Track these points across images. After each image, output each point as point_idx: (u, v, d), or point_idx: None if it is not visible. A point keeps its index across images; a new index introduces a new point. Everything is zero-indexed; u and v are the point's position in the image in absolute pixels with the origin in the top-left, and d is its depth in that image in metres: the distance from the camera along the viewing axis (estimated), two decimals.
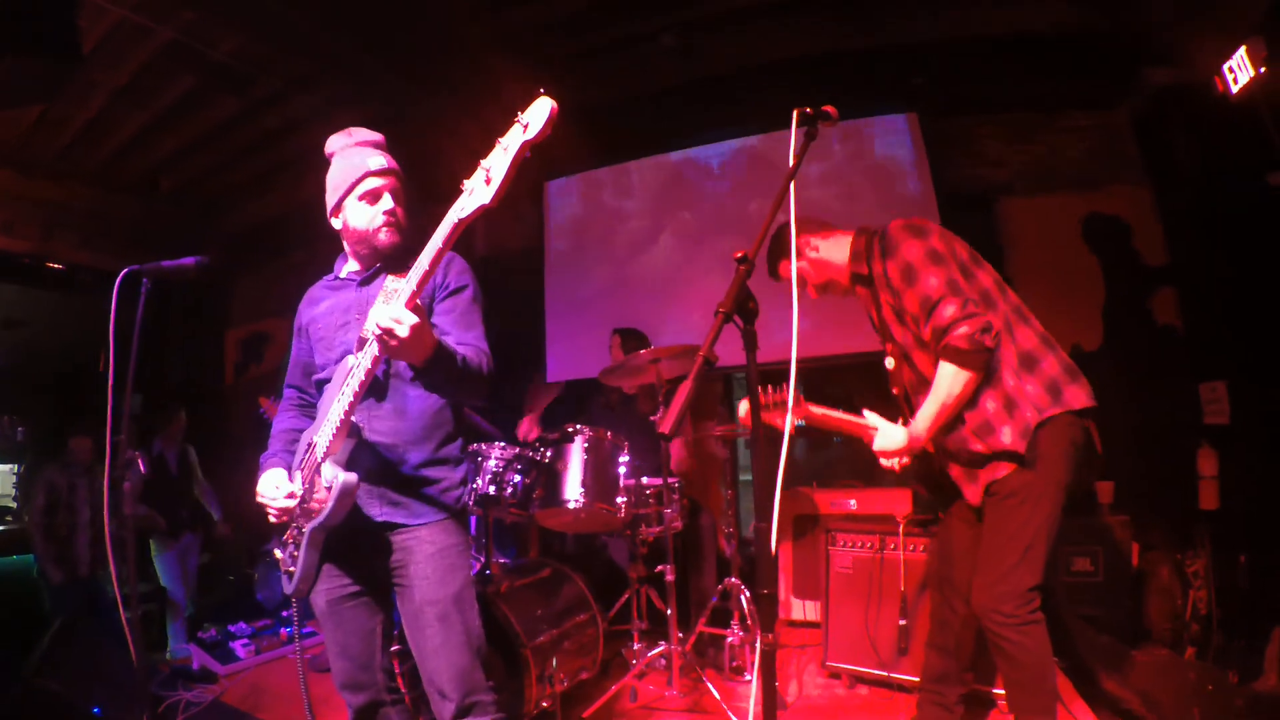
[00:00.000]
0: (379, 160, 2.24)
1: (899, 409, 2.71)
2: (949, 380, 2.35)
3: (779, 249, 2.72)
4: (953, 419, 2.42)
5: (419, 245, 1.82)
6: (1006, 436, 2.38)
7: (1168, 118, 4.58)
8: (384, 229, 2.25)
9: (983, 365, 2.36)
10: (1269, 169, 3.67)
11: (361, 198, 2.25)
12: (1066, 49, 4.77)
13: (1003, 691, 3.22)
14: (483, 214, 1.70)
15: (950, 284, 2.37)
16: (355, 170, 2.24)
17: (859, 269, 2.62)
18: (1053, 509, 2.40)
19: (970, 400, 2.41)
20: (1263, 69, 3.57)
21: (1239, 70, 3.68)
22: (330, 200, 2.32)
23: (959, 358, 2.33)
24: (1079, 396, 2.43)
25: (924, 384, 2.50)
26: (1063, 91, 5.08)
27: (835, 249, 2.70)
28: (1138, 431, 4.58)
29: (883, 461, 2.57)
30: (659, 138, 6.13)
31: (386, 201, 2.24)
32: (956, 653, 2.70)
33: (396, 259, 2.23)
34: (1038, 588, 2.39)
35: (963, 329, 2.29)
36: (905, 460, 2.62)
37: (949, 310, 2.32)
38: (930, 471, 2.69)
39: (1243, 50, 3.64)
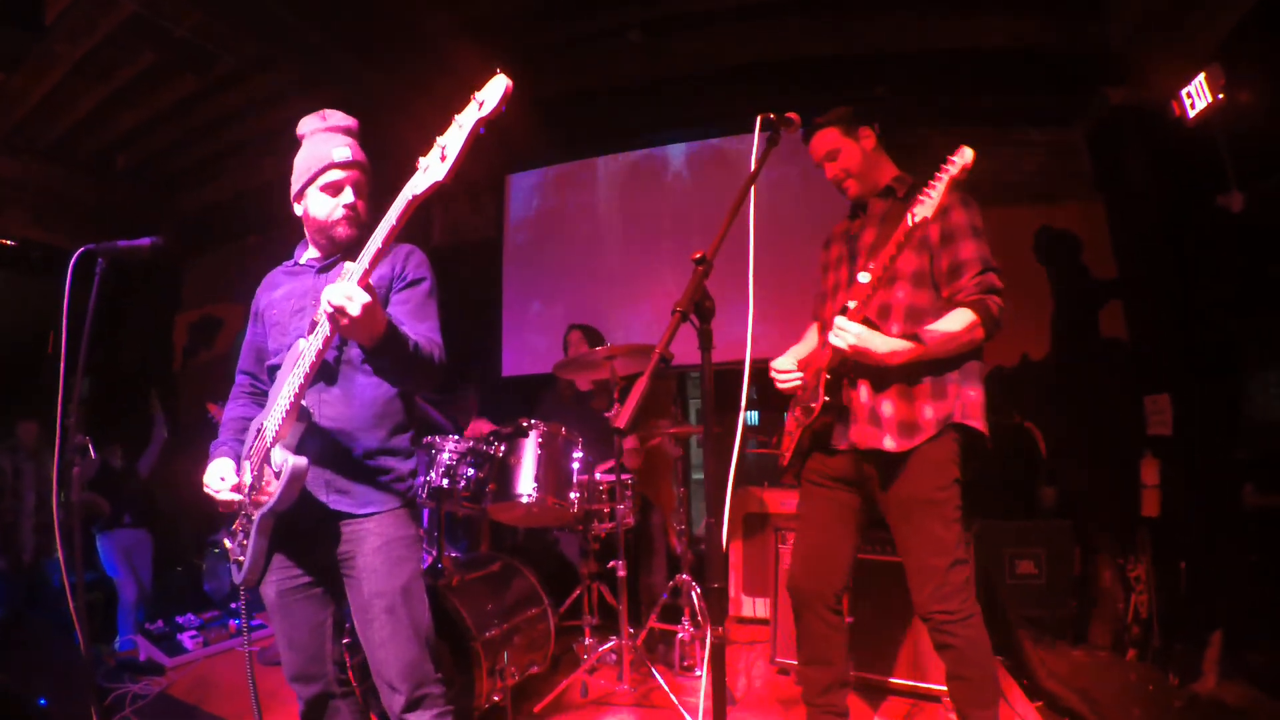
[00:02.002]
0: (344, 152, 2.22)
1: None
2: (961, 325, 2.37)
3: (838, 119, 2.69)
4: (930, 359, 2.41)
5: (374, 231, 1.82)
6: (928, 413, 2.44)
7: (1123, 137, 4.69)
8: (343, 223, 2.24)
9: (989, 335, 2.41)
10: (1219, 191, 3.77)
11: (323, 188, 2.23)
12: (1026, 65, 4.86)
13: (901, 681, 3.38)
14: (438, 195, 1.71)
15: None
16: (319, 160, 2.22)
17: (898, 189, 2.64)
18: (960, 502, 2.48)
19: (923, 369, 2.45)
20: (1220, 95, 3.66)
21: (1197, 95, 3.77)
22: (294, 186, 2.30)
23: (985, 316, 2.37)
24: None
25: (904, 311, 2.50)
26: (1021, 106, 5.19)
27: (885, 162, 2.75)
28: (1083, 440, 4.71)
29: (840, 339, 2.31)
30: (622, 135, 6.16)
31: (347, 195, 2.23)
32: (836, 660, 2.70)
33: (355, 250, 2.22)
34: (969, 579, 2.47)
35: (999, 300, 2.39)
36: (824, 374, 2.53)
37: (998, 282, 2.41)
38: (831, 416, 2.58)
39: (1202, 77, 3.73)
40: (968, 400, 2.47)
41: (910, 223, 2.22)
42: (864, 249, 2.62)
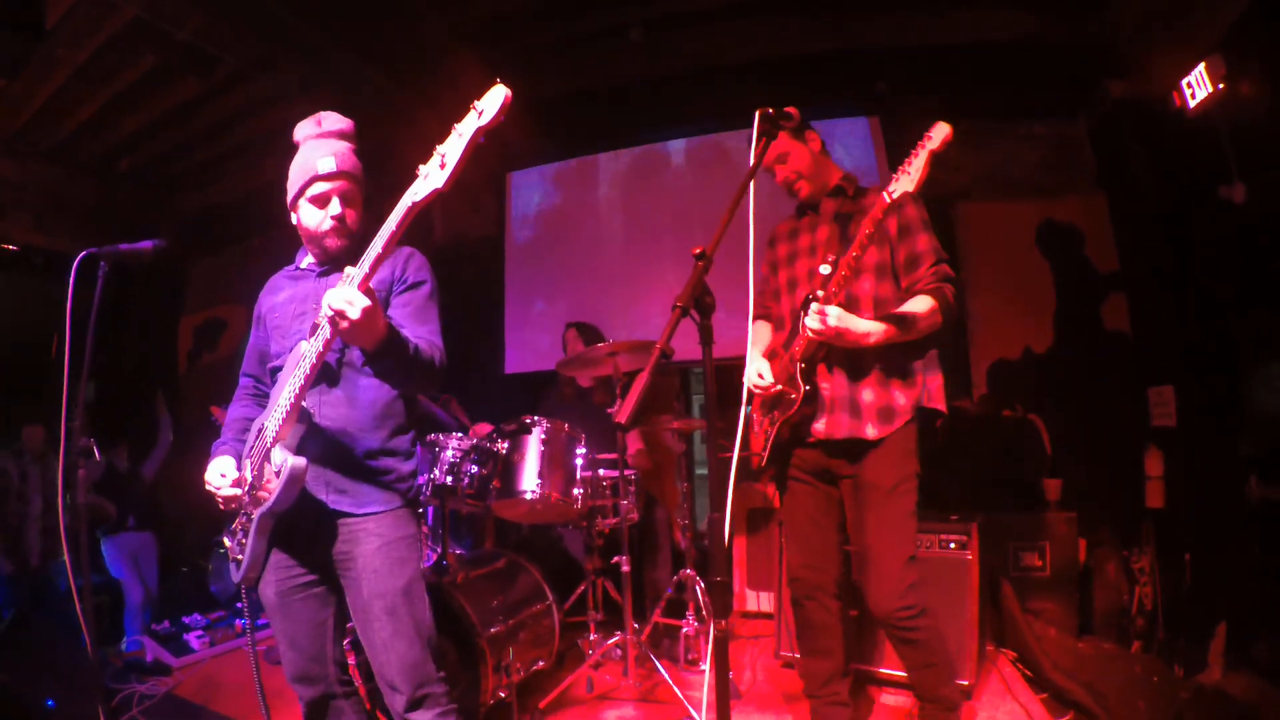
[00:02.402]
0: (328, 163, 2.20)
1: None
2: (924, 311, 2.44)
3: (792, 126, 2.65)
4: (895, 342, 2.47)
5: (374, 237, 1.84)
6: (900, 399, 2.54)
7: (1124, 129, 4.68)
8: (331, 234, 2.24)
9: (946, 322, 2.49)
10: (1221, 182, 3.76)
11: (310, 200, 2.24)
12: (1026, 58, 4.85)
13: (890, 672, 3.42)
14: (438, 199, 1.72)
15: None
16: (305, 173, 2.23)
17: (848, 188, 2.73)
18: (916, 497, 2.57)
19: (894, 355, 2.54)
20: (1221, 86, 3.65)
21: (1197, 86, 3.76)
22: (288, 195, 2.31)
23: (943, 303, 2.46)
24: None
25: (871, 301, 2.58)
26: (1022, 100, 5.19)
27: (830, 164, 2.83)
28: (1086, 432, 4.70)
29: (820, 321, 2.33)
30: (622, 132, 6.17)
31: (334, 206, 2.23)
32: (837, 649, 2.76)
33: (352, 257, 2.23)
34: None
35: (953, 289, 2.50)
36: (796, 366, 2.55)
37: (950, 271, 2.52)
38: (811, 407, 2.58)
39: (1202, 67, 3.72)
40: (932, 386, 2.59)
41: (889, 199, 2.25)
42: (820, 244, 2.68)
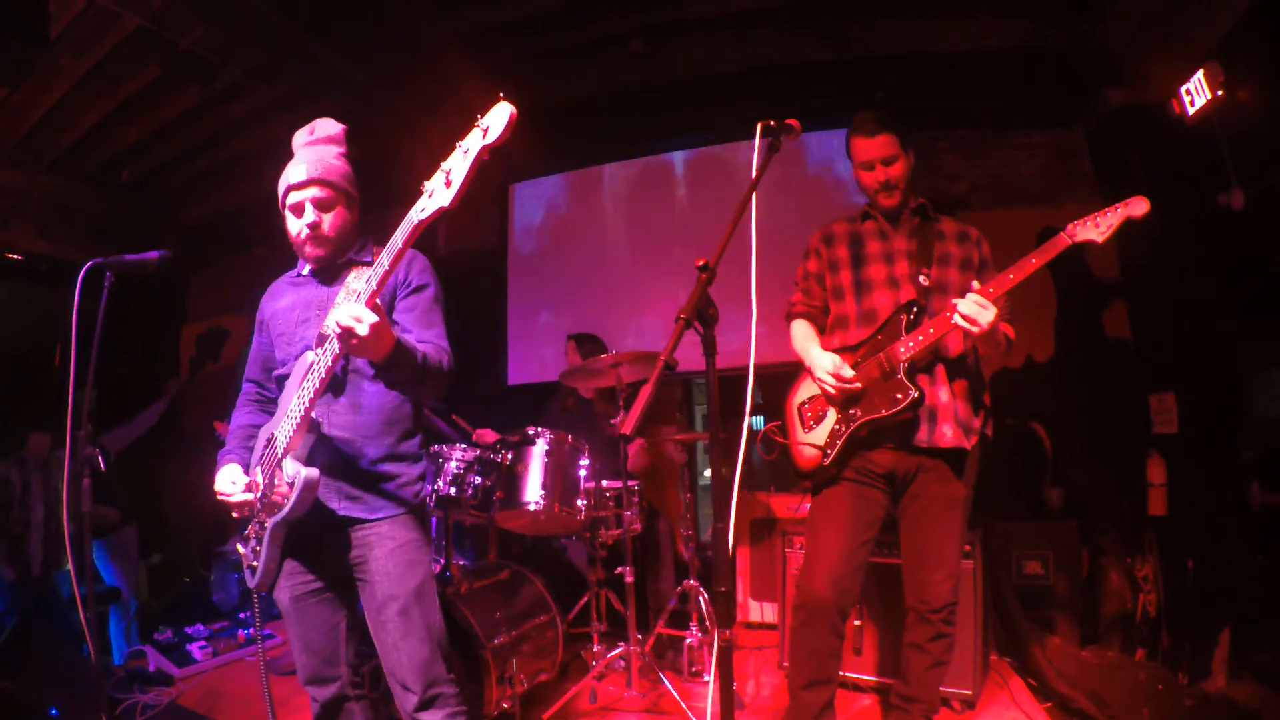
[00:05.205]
0: (299, 171, 2.22)
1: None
2: (1008, 332, 2.58)
3: (899, 129, 2.72)
4: (993, 352, 2.59)
5: (378, 242, 1.86)
6: (981, 415, 2.65)
7: (1123, 136, 4.69)
8: (308, 242, 2.27)
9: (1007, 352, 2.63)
10: (1221, 189, 3.77)
11: (290, 209, 2.27)
12: (1024, 66, 4.88)
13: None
14: (442, 215, 1.73)
15: None
16: (282, 183, 2.26)
17: (929, 209, 2.77)
18: None
19: (977, 376, 2.69)
20: (1219, 93, 3.66)
21: (1196, 93, 3.77)
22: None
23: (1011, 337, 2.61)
24: None
25: (959, 291, 2.57)
26: (1019, 108, 5.20)
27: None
28: (1089, 440, 4.70)
29: (979, 315, 2.33)
30: (623, 143, 6.18)
31: (308, 214, 2.24)
32: (834, 676, 2.66)
33: (330, 266, 2.29)
34: None
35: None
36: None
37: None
38: (913, 412, 2.55)
39: (1200, 74, 3.72)
40: (987, 406, 2.69)
41: (1070, 240, 2.33)
42: (899, 253, 2.72)
